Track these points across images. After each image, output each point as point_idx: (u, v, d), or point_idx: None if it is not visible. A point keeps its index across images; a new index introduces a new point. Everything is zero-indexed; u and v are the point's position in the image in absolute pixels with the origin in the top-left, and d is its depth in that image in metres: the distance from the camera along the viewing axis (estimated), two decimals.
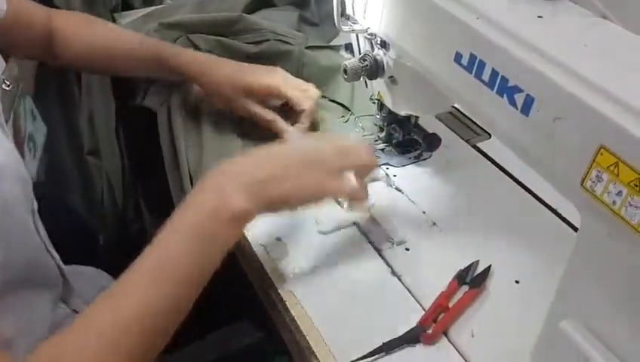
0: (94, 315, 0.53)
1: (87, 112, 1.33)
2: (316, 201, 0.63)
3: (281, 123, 0.85)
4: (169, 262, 0.54)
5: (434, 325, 0.64)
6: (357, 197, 0.65)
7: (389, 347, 0.62)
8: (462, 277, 0.68)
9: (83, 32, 0.92)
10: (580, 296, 0.52)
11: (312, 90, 0.86)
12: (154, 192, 1.34)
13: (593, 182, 0.47)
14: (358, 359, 0.60)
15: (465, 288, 0.68)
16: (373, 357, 0.61)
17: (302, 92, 0.85)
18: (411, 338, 0.63)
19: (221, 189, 0.57)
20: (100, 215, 1.40)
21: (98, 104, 1.29)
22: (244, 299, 1.01)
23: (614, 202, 0.46)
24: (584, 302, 0.52)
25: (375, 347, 0.62)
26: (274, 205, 0.60)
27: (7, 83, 0.65)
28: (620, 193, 0.46)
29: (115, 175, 1.33)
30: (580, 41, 0.52)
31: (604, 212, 0.47)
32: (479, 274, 0.69)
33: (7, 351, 0.51)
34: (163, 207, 1.34)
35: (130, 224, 1.40)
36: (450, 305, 0.66)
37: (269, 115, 0.85)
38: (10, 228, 0.58)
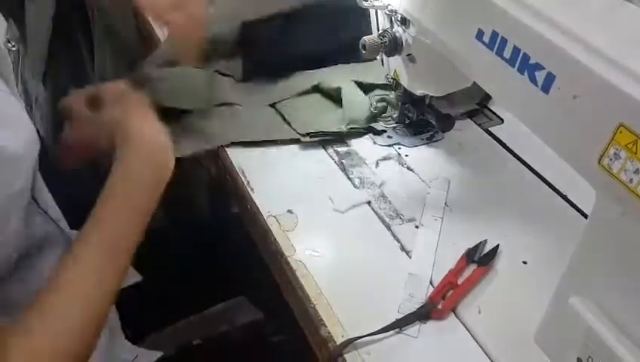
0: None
1: (98, 83, 1.33)
2: None
3: None
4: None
5: (443, 301, 0.64)
6: None
7: (401, 323, 0.62)
8: (470, 255, 0.69)
9: None
10: (590, 274, 0.53)
11: None
12: None
13: (611, 160, 0.48)
14: (369, 334, 0.61)
15: (473, 266, 0.68)
16: (384, 334, 0.61)
17: None
18: (422, 314, 0.63)
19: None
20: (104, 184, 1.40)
21: (110, 76, 1.30)
22: (246, 278, 1.02)
23: (631, 180, 0.47)
24: (594, 279, 0.52)
25: (381, 319, 0.62)
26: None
27: (12, 43, 0.65)
28: (637, 171, 0.46)
29: None
30: (603, 20, 0.53)
31: (620, 190, 0.47)
32: (488, 252, 0.70)
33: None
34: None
35: None
36: (459, 282, 0.66)
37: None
38: (22, 201, 0.58)
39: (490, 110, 0.93)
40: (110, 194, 0.61)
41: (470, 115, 0.92)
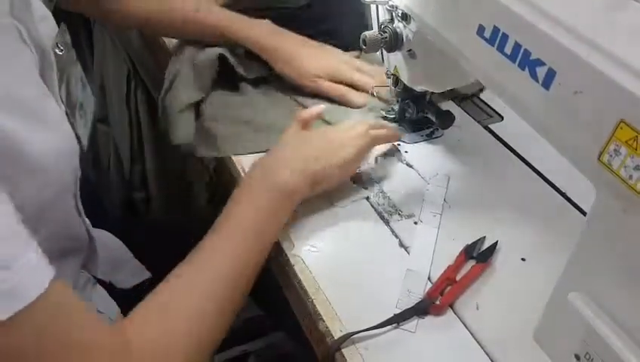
0: (190, 273, 0.59)
1: (98, 80, 1.33)
2: (347, 175, 0.76)
3: (351, 94, 0.89)
4: (243, 228, 0.63)
5: (441, 297, 0.64)
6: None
7: (399, 318, 0.62)
8: (469, 252, 0.69)
9: None
10: (590, 270, 0.53)
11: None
12: (161, 163, 1.35)
13: (611, 156, 0.48)
14: (367, 328, 0.61)
15: (472, 262, 0.68)
16: (382, 329, 0.61)
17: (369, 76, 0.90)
18: (420, 309, 0.63)
19: (269, 168, 0.68)
20: (107, 182, 1.40)
21: (110, 72, 1.29)
22: None
23: (631, 177, 0.46)
24: (594, 276, 0.52)
25: (379, 314, 0.62)
26: (317, 179, 0.70)
27: (61, 47, 0.65)
28: (637, 167, 0.46)
29: (123, 143, 1.34)
30: (604, 17, 0.52)
31: (620, 187, 0.47)
32: (486, 249, 0.70)
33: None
34: (169, 177, 1.35)
35: (135, 192, 1.41)
36: (458, 278, 0.66)
37: (341, 89, 0.89)
38: (61, 200, 0.58)
39: (490, 107, 0.93)
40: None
41: (463, 105, 0.93)
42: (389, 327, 0.62)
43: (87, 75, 1.36)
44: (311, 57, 0.88)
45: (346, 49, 0.95)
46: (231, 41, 0.90)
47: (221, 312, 0.59)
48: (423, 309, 0.63)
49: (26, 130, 0.49)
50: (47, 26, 0.59)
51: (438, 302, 0.64)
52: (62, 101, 0.63)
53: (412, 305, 0.63)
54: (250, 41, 0.88)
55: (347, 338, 0.59)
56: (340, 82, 0.89)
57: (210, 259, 0.61)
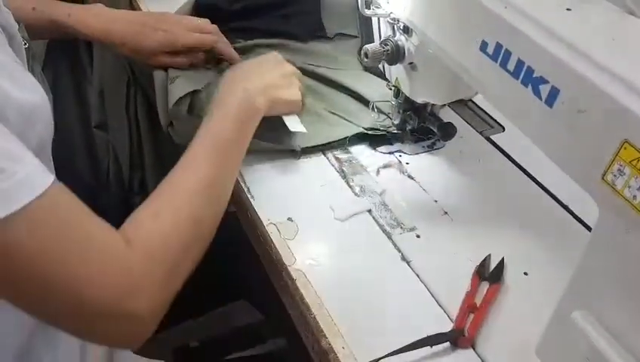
0: (176, 179, 0.64)
1: (97, 86, 1.33)
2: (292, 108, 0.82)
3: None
4: (223, 142, 0.69)
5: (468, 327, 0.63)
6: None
7: (426, 343, 0.61)
8: (481, 273, 0.68)
9: None
10: (593, 289, 0.53)
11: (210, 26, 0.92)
12: (160, 169, 1.35)
13: (614, 175, 0.48)
14: (386, 355, 0.59)
15: (484, 283, 0.68)
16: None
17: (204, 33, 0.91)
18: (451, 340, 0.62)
19: (246, 90, 0.74)
20: (106, 188, 1.40)
21: (110, 78, 1.29)
22: (246, 281, 1.01)
23: (635, 197, 0.46)
24: (597, 295, 0.52)
25: (382, 329, 0.63)
26: (273, 105, 0.77)
27: (24, 41, 0.66)
28: None
29: (122, 149, 1.33)
30: (608, 35, 0.52)
31: (623, 207, 0.47)
32: (495, 268, 0.69)
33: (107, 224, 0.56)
34: None
35: (135, 199, 1.40)
36: (477, 302, 0.66)
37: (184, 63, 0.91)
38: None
39: (492, 117, 0.93)
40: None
41: (462, 114, 0.93)
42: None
43: (86, 81, 1.36)
44: (144, 35, 0.89)
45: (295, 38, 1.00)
46: (70, 36, 0.92)
47: (210, 204, 0.65)
48: (453, 340, 0.62)
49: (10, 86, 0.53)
50: (11, 19, 0.65)
51: (466, 335, 0.62)
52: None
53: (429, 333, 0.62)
54: (83, 34, 0.90)
55: None
56: (181, 51, 0.90)
57: (191, 167, 0.66)
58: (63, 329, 0.55)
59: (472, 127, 0.91)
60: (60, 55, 1.30)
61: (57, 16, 0.89)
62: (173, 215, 0.60)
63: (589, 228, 0.75)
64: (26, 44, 0.69)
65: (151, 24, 0.89)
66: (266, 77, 0.79)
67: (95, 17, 0.90)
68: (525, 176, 0.84)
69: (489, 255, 0.70)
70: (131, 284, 0.53)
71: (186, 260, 0.60)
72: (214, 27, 0.92)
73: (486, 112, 0.94)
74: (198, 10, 1.02)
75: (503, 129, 0.91)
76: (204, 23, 0.92)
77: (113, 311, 0.52)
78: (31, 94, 0.58)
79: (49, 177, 0.50)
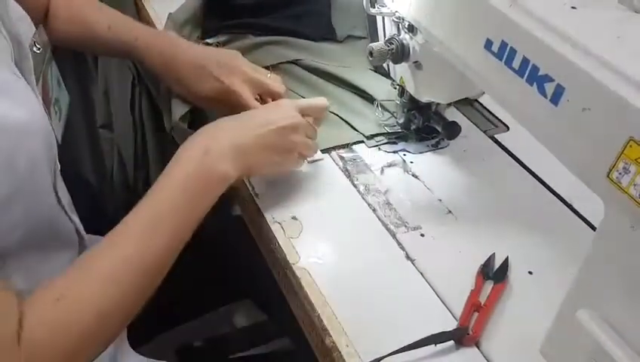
0: (95, 258, 0.57)
1: (102, 86, 1.33)
2: (283, 171, 0.77)
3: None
4: (161, 215, 0.60)
5: (472, 327, 0.63)
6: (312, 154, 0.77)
7: (430, 341, 0.61)
8: (485, 273, 0.68)
9: (63, 3, 0.87)
10: (598, 287, 0.52)
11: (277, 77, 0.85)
12: (164, 169, 1.35)
13: (620, 173, 0.48)
14: (390, 353, 0.59)
15: (489, 282, 0.68)
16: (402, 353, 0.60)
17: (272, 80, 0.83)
18: (455, 338, 0.62)
19: (208, 152, 0.63)
20: (110, 188, 1.40)
21: (115, 78, 1.29)
22: (249, 281, 1.02)
23: None
24: (603, 293, 0.52)
25: (386, 327, 0.62)
26: (251, 171, 0.69)
27: (38, 46, 0.66)
28: None
29: (127, 149, 1.34)
30: (613, 33, 0.52)
31: (629, 204, 0.47)
32: (499, 267, 0.69)
33: (9, 291, 0.52)
34: None
35: (139, 198, 1.41)
36: (482, 302, 0.65)
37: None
38: (34, 185, 0.58)
39: (496, 117, 0.93)
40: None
41: (467, 114, 0.93)
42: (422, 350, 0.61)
43: (91, 82, 1.36)
44: (201, 81, 0.82)
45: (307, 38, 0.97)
46: (135, 60, 0.89)
47: (125, 296, 0.57)
48: (458, 338, 0.62)
49: None
50: (25, 25, 0.63)
51: (470, 333, 0.62)
52: (38, 93, 0.65)
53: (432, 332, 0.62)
54: (145, 65, 0.85)
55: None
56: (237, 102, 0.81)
57: (116, 245, 0.58)
58: None
59: (476, 126, 0.91)
60: (65, 55, 1.30)
61: (127, 39, 0.85)
62: (76, 303, 0.53)
63: (593, 228, 0.75)
64: (39, 49, 0.68)
65: (211, 69, 0.81)
66: (249, 135, 0.68)
67: (158, 49, 0.84)
68: (529, 174, 0.84)
69: (493, 254, 0.70)
70: None
71: (82, 352, 0.54)
72: (282, 88, 0.83)
73: (490, 112, 0.94)
74: (209, 4, 1.02)
75: (508, 128, 0.91)
76: (273, 82, 0.82)
77: None
78: (23, 110, 0.56)
79: None
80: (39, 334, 0.51)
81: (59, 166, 0.66)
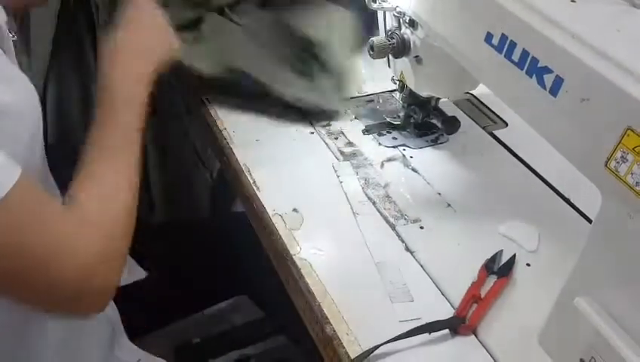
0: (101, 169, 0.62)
1: None
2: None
3: None
4: (117, 108, 0.66)
5: (469, 317, 0.64)
6: None
7: (425, 329, 0.62)
8: (489, 267, 0.69)
9: None
10: (596, 275, 0.53)
11: None
12: (163, 165, 1.36)
13: (617, 162, 0.49)
14: (387, 341, 0.60)
15: (492, 277, 0.68)
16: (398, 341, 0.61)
17: None
18: (451, 327, 0.63)
19: (129, 64, 0.69)
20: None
21: None
22: (247, 278, 1.02)
23: (638, 183, 0.47)
24: (600, 280, 0.53)
25: (385, 317, 0.63)
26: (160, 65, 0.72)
27: (12, 34, 0.66)
28: None
29: None
30: (611, 25, 0.53)
31: (626, 193, 0.48)
32: (506, 262, 0.70)
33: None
34: (173, 178, 1.36)
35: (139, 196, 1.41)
36: (482, 294, 0.66)
37: None
38: (33, 165, 0.59)
39: (495, 113, 0.94)
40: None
41: (466, 110, 0.94)
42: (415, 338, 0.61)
43: (91, 79, 1.36)
44: None
45: None
46: None
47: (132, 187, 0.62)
48: (453, 327, 0.63)
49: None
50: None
51: (467, 323, 0.63)
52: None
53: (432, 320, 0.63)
54: None
55: (374, 350, 0.59)
56: None
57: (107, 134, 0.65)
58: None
59: (475, 122, 0.92)
60: (64, 52, 1.31)
61: None
62: (108, 195, 0.60)
63: (589, 220, 0.76)
64: (14, 36, 0.69)
65: None
66: (150, 34, 0.74)
67: None
68: (527, 169, 0.85)
69: (501, 250, 0.71)
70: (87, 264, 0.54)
71: (123, 229, 0.60)
72: None
73: (489, 108, 0.95)
74: None
75: (506, 124, 0.92)
76: None
77: (77, 287, 0.53)
78: (20, 90, 0.57)
79: (12, 175, 0.50)
80: (87, 205, 0.57)
81: (45, 159, 0.66)
